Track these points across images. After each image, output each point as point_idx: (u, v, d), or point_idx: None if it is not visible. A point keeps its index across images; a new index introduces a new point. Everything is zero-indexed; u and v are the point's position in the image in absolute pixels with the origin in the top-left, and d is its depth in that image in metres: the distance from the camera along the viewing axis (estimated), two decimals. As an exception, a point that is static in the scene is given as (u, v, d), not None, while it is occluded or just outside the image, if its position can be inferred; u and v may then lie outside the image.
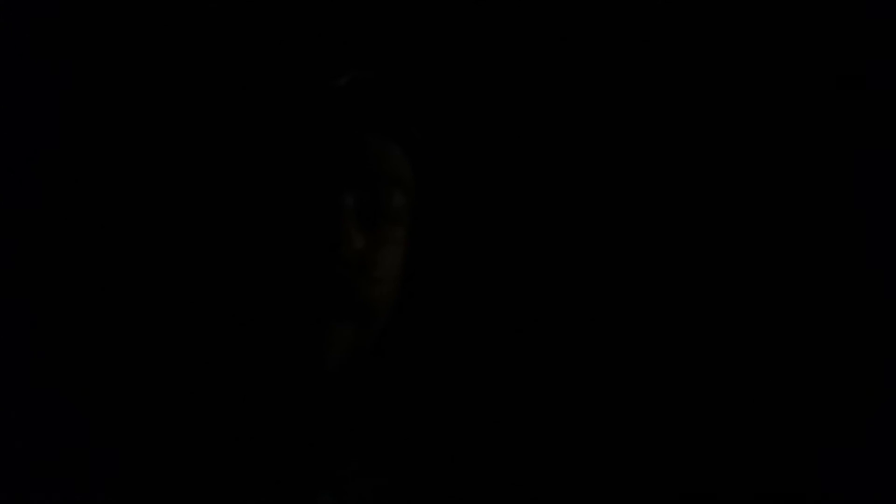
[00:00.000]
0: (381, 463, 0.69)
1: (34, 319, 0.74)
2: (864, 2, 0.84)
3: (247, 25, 0.74)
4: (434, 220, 0.72)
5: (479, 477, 0.74)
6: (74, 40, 0.78)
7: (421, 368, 0.78)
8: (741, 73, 0.86)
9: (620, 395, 0.82)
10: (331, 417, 0.68)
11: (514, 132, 0.85)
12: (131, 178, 0.76)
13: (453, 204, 0.78)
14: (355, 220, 0.63)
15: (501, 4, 0.85)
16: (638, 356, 0.83)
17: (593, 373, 0.83)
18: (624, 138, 0.85)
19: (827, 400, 0.82)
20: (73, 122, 0.77)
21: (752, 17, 0.86)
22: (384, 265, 0.64)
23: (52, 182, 0.76)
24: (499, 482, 0.75)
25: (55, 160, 0.77)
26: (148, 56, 0.77)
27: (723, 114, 0.86)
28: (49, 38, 0.77)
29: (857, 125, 0.84)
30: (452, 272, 0.80)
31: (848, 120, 0.84)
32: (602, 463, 0.80)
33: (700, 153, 0.86)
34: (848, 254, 0.83)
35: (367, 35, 0.76)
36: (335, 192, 0.63)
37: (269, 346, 0.63)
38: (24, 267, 0.75)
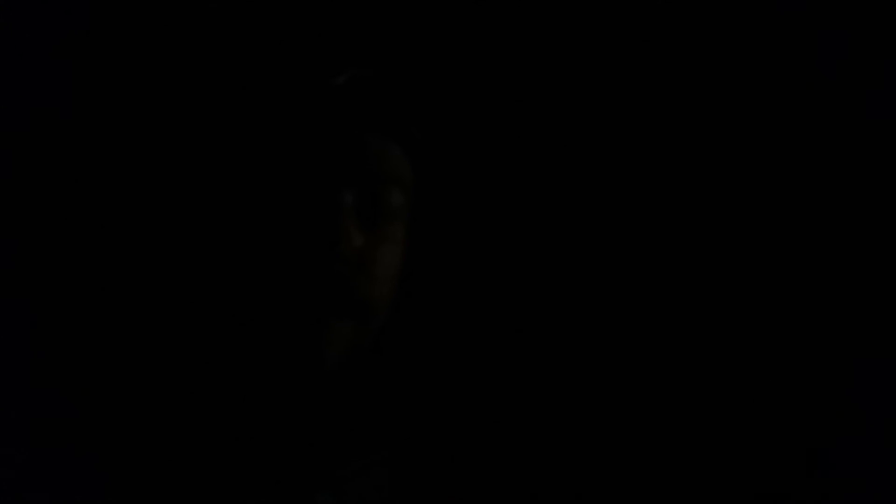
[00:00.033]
0: (381, 463, 0.69)
1: (33, 319, 0.74)
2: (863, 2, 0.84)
3: (246, 25, 0.74)
4: (432, 218, 0.72)
5: (479, 476, 0.74)
6: (74, 40, 0.78)
7: (420, 367, 0.77)
8: (741, 73, 0.86)
9: (620, 394, 0.82)
10: (330, 416, 0.68)
11: (513, 131, 0.85)
12: (131, 177, 0.76)
13: (452, 203, 0.78)
14: (354, 219, 0.63)
15: (501, 4, 0.85)
16: (637, 355, 0.83)
17: (592, 372, 0.83)
18: (623, 138, 0.85)
19: (827, 400, 0.82)
20: (73, 120, 0.77)
21: (751, 18, 0.86)
22: (383, 263, 0.64)
23: (51, 181, 0.77)
24: (499, 481, 0.75)
25: (55, 159, 0.77)
26: (148, 55, 0.78)
27: (723, 114, 0.86)
28: (49, 37, 0.78)
29: (857, 125, 0.84)
30: (451, 271, 0.80)
31: (848, 120, 0.84)
32: (602, 462, 0.80)
33: (700, 153, 0.86)
34: (848, 254, 0.83)
35: (367, 34, 0.76)
36: (334, 190, 0.63)
37: (268, 344, 0.63)
38: (23, 267, 0.76)
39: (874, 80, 0.84)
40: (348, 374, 0.67)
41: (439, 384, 0.79)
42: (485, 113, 0.84)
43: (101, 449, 0.64)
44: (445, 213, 0.75)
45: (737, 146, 0.86)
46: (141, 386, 0.68)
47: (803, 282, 0.84)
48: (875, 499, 0.79)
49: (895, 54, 0.84)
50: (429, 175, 0.70)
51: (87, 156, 0.77)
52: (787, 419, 0.82)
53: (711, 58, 0.86)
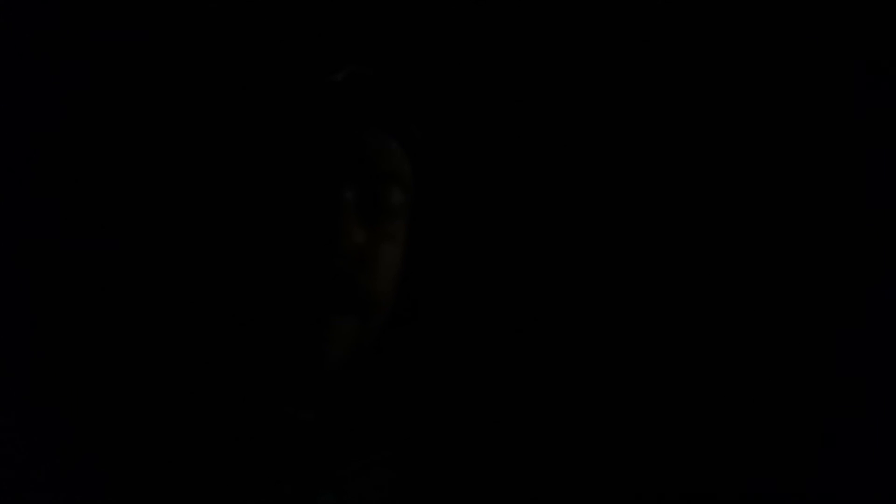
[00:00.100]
0: (382, 462, 0.69)
1: (33, 319, 0.74)
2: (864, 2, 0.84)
3: (246, 23, 0.74)
4: (433, 215, 0.72)
5: (480, 476, 0.74)
6: (75, 40, 0.78)
7: (421, 366, 0.77)
8: (741, 73, 0.86)
9: (620, 394, 0.82)
10: (332, 416, 0.68)
11: (513, 129, 0.85)
12: (132, 176, 0.76)
13: (452, 200, 0.78)
14: (355, 216, 0.63)
15: (501, 3, 0.85)
16: (637, 350, 0.83)
17: (593, 368, 0.83)
18: (623, 137, 0.86)
19: (826, 400, 0.82)
20: (73, 120, 0.77)
21: (752, 18, 0.86)
22: (384, 261, 0.64)
23: (51, 180, 0.76)
24: (500, 481, 0.75)
25: (54, 159, 0.77)
26: (148, 54, 0.77)
27: (723, 114, 0.86)
28: (49, 37, 0.77)
29: (857, 125, 0.84)
30: (451, 268, 0.80)
31: (848, 120, 0.84)
32: (602, 462, 0.80)
33: (700, 153, 0.86)
34: (848, 254, 0.83)
35: (366, 32, 0.76)
36: (335, 187, 0.63)
37: (269, 342, 0.63)
38: (23, 267, 0.75)
39: (874, 80, 0.84)
40: (349, 373, 0.67)
41: (440, 383, 0.79)
42: (484, 110, 0.84)
43: (101, 449, 0.64)
44: (445, 210, 0.75)
45: (737, 146, 0.86)
46: (141, 385, 0.68)
47: (803, 282, 0.84)
48: (875, 499, 0.79)
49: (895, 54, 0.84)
50: (428, 172, 0.70)
51: (89, 154, 0.77)
52: (786, 419, 0.82)
53: (711, 58, 0.86)
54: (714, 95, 0.86)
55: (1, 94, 0.77)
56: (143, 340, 0.71)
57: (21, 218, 0.76)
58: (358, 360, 0.66)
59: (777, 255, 0.84)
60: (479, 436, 0.77)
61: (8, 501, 0.61)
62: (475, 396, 0.80)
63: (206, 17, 0.76)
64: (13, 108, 0.77)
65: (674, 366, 0.83)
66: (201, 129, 0.69)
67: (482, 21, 0.84)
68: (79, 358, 0.71)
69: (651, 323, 0.83)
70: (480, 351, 0.82)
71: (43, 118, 0.77)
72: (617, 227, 0.85)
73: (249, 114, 0.65)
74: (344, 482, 0.66)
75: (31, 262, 0.76)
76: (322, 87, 0.65)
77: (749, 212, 0.85)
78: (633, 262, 0.84)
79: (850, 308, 0.83)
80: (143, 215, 0.74)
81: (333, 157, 0.63)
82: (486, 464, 0.75)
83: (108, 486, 0.63)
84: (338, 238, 0.61)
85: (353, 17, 0.77)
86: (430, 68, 0.81)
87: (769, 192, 0.85)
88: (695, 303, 0.84)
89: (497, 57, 0.84)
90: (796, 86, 0.85)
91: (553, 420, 0.81)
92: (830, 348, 0.82)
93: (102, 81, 0.78)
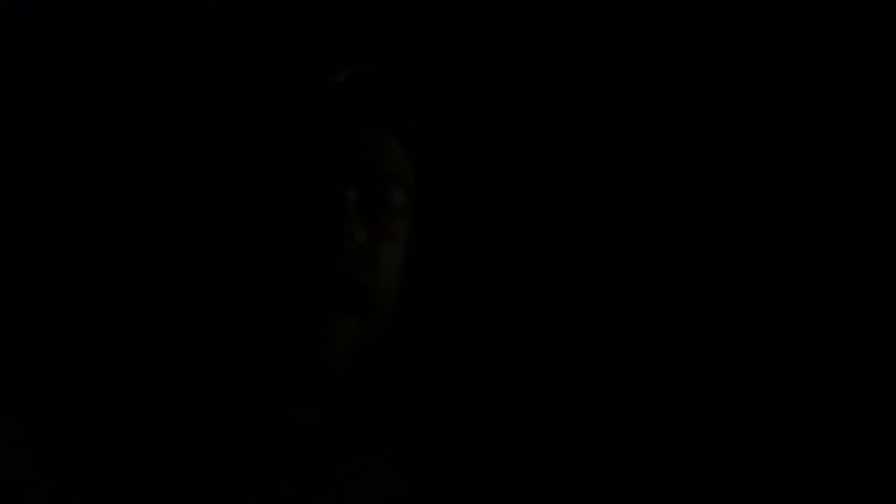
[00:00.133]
0: (382, 462, 0.69)
1: (34, 319, 0.74)
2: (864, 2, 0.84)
3: (247, 25, 0.74)
4: (433, 215, 0.72)
5: (481, 476, 0.74)
6: (75, 40, 0.78)
7: (422, 366, 0.77)
8: (741, 73, 0.86)
9: (621, 393, 0.82)
10: (332, 415, 0.68)
11: (513, 129, 0.85)
12: (135, 178, 0.76)
13: (453, 199, 0.78)
14: (357, 215, 0.63)
15: (501, 3, 0.85)
16: (638, 349, 0.83)
17: (594, 368, 0.83)
18: (623, 137, 0.86)
19: (827, 400, 0.82)
20: (75, 121, 0.77)
21: (752, 18, 0.86)
22: (386, 260, 0.65)
23: (54, 180, 0.76)
24: (500, 481, 0.75)
25: (57, 159, 0.77)
26: (148, 54, 0.77)
27: (722, 114, 0.86)
28: (49, 37, 0.77)
29: (856, 125, 0.84)
30: (453, 268, 0.80)
31: (848, 120, 0.84)
32: (602, 462, 0.80)
33: (700, 153, 0.86)
34: (848, 254, 0.83)
35: (366, 32, 0.76)
36: (337, 187, 0.63)
37: (272, 341, 0.63)
38: (24, 267, 0.75)
39: (874, 81, 0.84)
40: (350, 373, 0.67)
41: (441, 383, 0.79)
42: (485, 110, 0.84)
43: (101, 448, 0.64)
44: (446, 209, 0.75)
45: (736, 146, 0.86)
46: (142, 384, 0.68)
47: (802, 282, 0.84)
48: (875, 499, 0.79)
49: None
50: (429, 172, 0.70)
51: (92, 155, 0.77)
52: (786, 419, 0.82)
53: (711, 58, 0.86)
54: (714, 96, 0.86)
55: (1, 95, 0.77)
56: (145, 340, 0.71)
57: (22, 218, 0.76)
58: (359, 359, 0.66)
59: (777, 256, 0.84)
60: (480, 436, 0.77)
61: (8, 501, 0.61)
62: (476, 396, 0.80)
63: (207, 18, 0.76)
64: (14, 108, 0.77)
65: (674, 366, 0.83)
66: (204, 130, 0.69)
67: (482, 21, 0.84)
68: (79, 357, 0.71)
69: (651, 322, 0.83)
70: (481, 350, 0.82)
71: (44, 119, 0.77)
72: (618, 227, 0.85)
73: (251, 115, 0.65)
74: (344, 482, 0.66)
75: (32, 261, 0.76)
76: (323, 88, 0.65)
77: (749, 212, 0.85)
78: (634, 262, 0.84)
79: (850, 307, 0.83)
80: (147, 216, 0.74)
81: (335, 158, 0.63)
82: (486, 464, 0.75)
83: (108, 486, 0.63)
84: (340, 238, 0.61)
85: (353, 17, 0.77)
86: (431, 68, 0.81)
87: (769, 192, 0.85)
88: (695, 303, 0.84)
89: (497, 57, 0.84)
90: (796, 86, 0.85)
91: (553, 420, 0.81)
92: (831, 348, 0.82)
93: (104, 82, 0.78)
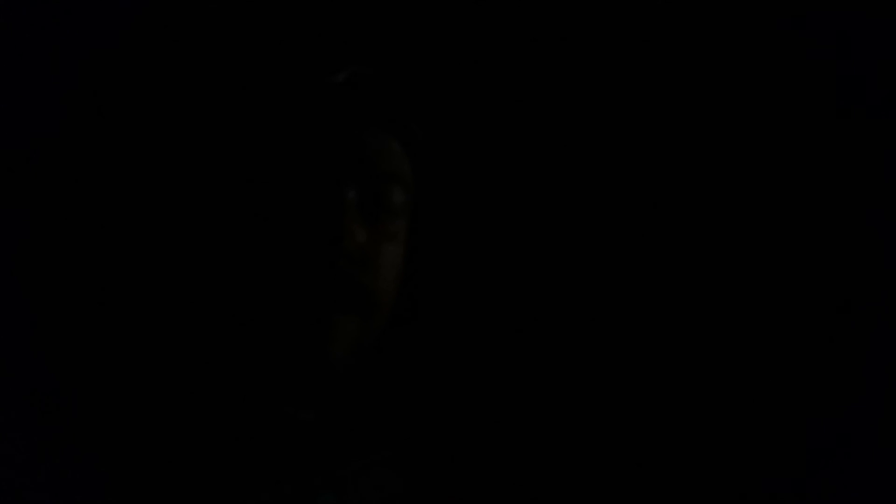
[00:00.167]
0: (382, 462, 0.69)
1: (36, 319, 0.74)
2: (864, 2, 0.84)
3: (247, 26, 0.74)
4: (433, 215, 0.72)
5: (480, 475, 0.74)
6: (75, 40, 0.78)
7: (422, 366, 0.77)
8: (741, 73, 0.86)
9: (620, 394, 0.82)
10: (333, 415, 0.68)
11: (512, 129, 0.85)
12: (136, 178, 0.76)
13: (452, 199, 0.78)
14: (357, 215, 0.63)
15: (501, 4, 0.85)
16: (638, 350, 0.83)
17: (594, 370, 0.83)
18: (623, 137, 0.86)
19: (826, 400, 0.82)
20: (76, 120, 0.77)
21: (752, 18, 0.86)
22: (386, 260, 0.65)
23: (53, 180, 0.76)
24: (500, 481, 0.75)
25: (57, 159, 0.77)
26: (149, 55, 0.77)
27: (722, 114, 0.86)
28: (50, 38, 0.77)
29: (856, 125, 0.84)
30: (452, 267, 0.80)
31: (848, 120, 0.84)
32: (602, 462, 0.80)
33: (700, 153, 0.86)
34: (847, 254, 0.83)
35: (366, 33, 0.76)
36: (338, 187, 0.63)
37: (272, 342, 0.63)
38: (26, 267, 0.75)
39: (874, 81, 0.84)
40: (350, 373, 0.67)
41: (441, 383, 0.79)
42: (484, 110, 0.84)
43: (101, 448, 0.64)
44: (445, 209, 0.75)
45: (736, 146, 0.86)
46: (143, 385, 0.68)
47: (802, 282, 0.84)
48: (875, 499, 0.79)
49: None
50: (429, 172, 0.70)
51: (93, 156, 0.77)
52: (786, 419, 0.82)
53: (711, 58, 0.86)
54: (714, 96, 0.86)
55: (5, 95, 0.77)
56: (146, 340, 0.71)
57: (21, 219, 0.76)
58: (359, 359, 0.66)
59: (777, 256, 0.84)
60: (479, 436, 0.77)
61: (8, 501, 0.61)
62: (475, 396, 0.80)
63: (208, 19, 0.76)
64: (15, 108, 0.77)
65: (674, 366, 0.83)
66: (204, 130, 0.69)
67: (482, 21, 0.84)
68: (81, 358, 0.71)
69: (651, 322, 0.83)
70: (480, 350, 0.82)
71: (45, 121, 0.77)
72: (617, 226, 0.85)
73: (251, 115, 0.65)
74: (344, 482, 0.66)
75: (33, 261, 0.76)
76: (323, 88, 0.65)
77: (749, 212, 0.85)
78: (634, 262, 0.84)
79: (850, 307, 0.83)
80: (147, 216, 0.74)
81: (335, 158, 0.63)
82: (486, 464, 0.75)
83: (108, 486, 0.63)
84: (340, 238, 0.61)
85: (353, 18, 0.77)
86: (430, 68, 0.81)
87: (769, 192, 0.85)
88: (695, 303, 0.84)
89: (497, 57, 0.84)
90: (795, 86, 0.85)
91: (553, 420, 0.81)
92: (830, 348, 0.82)
93: (105, 83, 0.78)
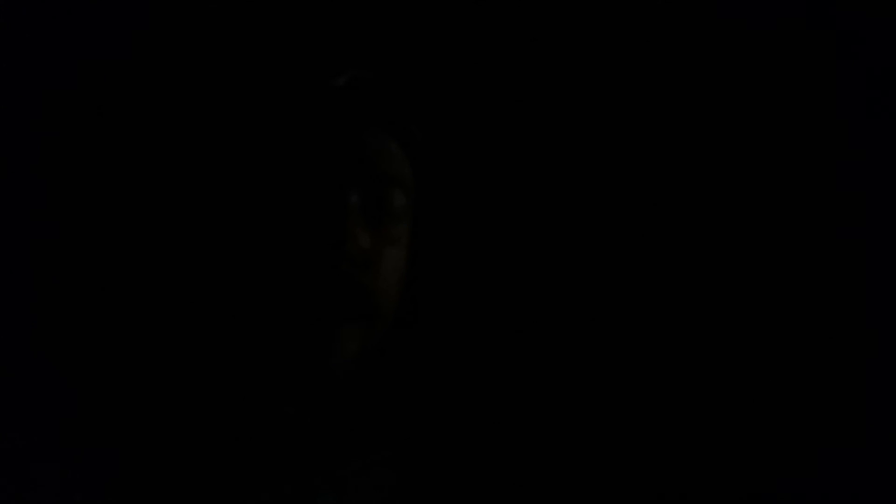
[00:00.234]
0: (382, 462, 0.69)
1: (38, 320, 0.74)
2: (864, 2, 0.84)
3: (248, 29, 0.74)
4: (434, 218, 0.72)
5: (480, 476, 0.74)
6: (76, 41, 0.78)
7: (421, 367, 0.77)
8: (740, 73, 0.86)
9: (620, 396, 0.82)
10: (332, 416, 0.68)
11: (513, 131, 0.85)
12: (137, 183, 0.75)
13: (453, 203, 0.78)
14: (360, 219, 0.63)
15: (501, 4, 0.85)
16: (639, 360, 0.83)
17: (594, 370, 0.83)
18: (624, 137, 0.85)
19: (826, 400, 0.82)
20: (76, 122, 0.77)
21: (752, 18, 0.86)
22: (388, 264, 0.64)
23: (56, 184, 0.76)
24: (500, 481, 0.75)
25: (59, 161, 0.77)
26: (149, 57, 0.77)
27: (722, 114, 0.86)
28: (51, 38, 0.77)
29: (856, 125, 0.84)
30: (453, 271, 0.80)
31: (847, 120, 0.84)
32: (602, 463, 0.80)
33: (700, 153, 0.86)
34: (847, 254, 0.83)
35: (366, 35, 0.76)
36: (340, 191, 0.63)
37: (278, 347, 0.63)
38: (28, 268, 0.75)
39: (874, 80, 0.84)
40: (351, 374, 0.67)
41: (441, 384, 0.79)
42: (485, 113, 0.84)
43: (103, 448, 0.64)
44: (446, 212, 0.75)
45: (736, 147, 0.86)
46: (145, 386, 0.68)
47: (801, 282, 0.84)
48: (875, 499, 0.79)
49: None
50: (429, 175, 0.70)
51: (94, 159, 0.77)
52: (786, 419, 0.82)
53: (711, 58, 0.86)
54: (714, 96, 0.86)
55: (6, 95, 0.76)
56: (149, 343, 0.71)
57: (23, 219, 0.76)
58: (360, 361, 0.66)
59: (776, 256, 0.84)
60: (479, 437, 0.77)
61: (8, 501, 0.61)
62: (475, 397, 0.80)
63: (209, 22, 0.76)
64: (16, 108, 0.77)
65: (674, 369, 0.83)
66: (206, 135, 0.69)
67: (482, 24, 0.84)
68: (82, 359, 0.71)
69: (653, 331, 0.83)
70: (480, 352, 0.82)
71: (48, 122, 0.77)
72: (619, 227, 0.85)
73: (253, 119, 0.65)
74: (344, 482, 0.66)
75: (34, 261, 0.76)
76: (324, 92, 0.65)
77: (749, 212, 0.85)
78: (635, 266, 0.84)
79: (850, 308, 0.83)
80: (150, 222, 0.74)
81: (337, 162, 0.63)
82: (486, 464, 0.75)
83: (109, 486, 0.63)
84: (344, 243, 0.61)
85: (353, 21, 0.77)
86: (431, 71, 0.81)
87: (769, 192, 0.85)
88: (696, 307, 0.84)
89: (497, 59, 0.84)
90: (796, 86, 0.85)
91: (553, 421, 0.81)
92: (830, 349, 0.82)
93: (106, 85, 0.77)
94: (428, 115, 0.70)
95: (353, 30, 0.77)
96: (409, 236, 0.67)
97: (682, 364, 0.83)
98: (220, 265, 0.66)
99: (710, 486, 0.80)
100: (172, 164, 0.74)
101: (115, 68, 0.77)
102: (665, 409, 0.82)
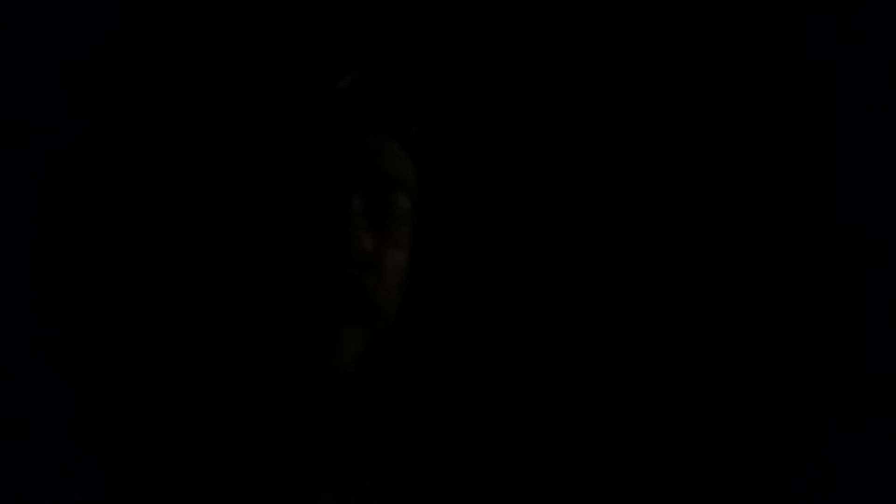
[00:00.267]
0: (382, 462, 0.69)
1: (35, 318, 0.74)
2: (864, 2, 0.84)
3: (250, 30, 0.74)
4: (436, 220, 0.72)
5: (481, 476, 0.74)
6: (76, 41, 0.77)
7: (422, 367, 0.77)
8: (740, 73, 0.86)
9: (620, 398, 0.82)
10: (332, 416, 0.68)
11: (516, 133, 0.84)
12: (139, 184, 0.75)
13: (455, 205, 0.78)
14: (363, 222, 0.63)
15: (502, 4, 0.85)
16: (642, 359, 0.83)
17: (596, 371, 0.83)
18: (626, 137, 0.85)
19: (826, 400, 0.82)
20: (77, 126, 0.77)
21: (751, 18, 0.86)
22: (391, 267, 0.64)
23: (57, 183, 0.76)
24: (500, 481, 0.75)
25: (60, 163, 0.77)
26: (151, 58, 0.77)
27: (722, 114, 0.86)
28: (51, 38, 0.77)
29: (856, 125, 0.84)
30: (454, 273, 0.80)
31: (847, 120, 0.84)
32: (602, 463, 0.80)
33: (699, 153, 0.86)
34: (847, 254, 0.83)
35: (369, 36, 0.76)
36: (344, 194, 0.62)
37: (281, 349, 0.63)
38: (27, 265, 0.75)
39: (873, 80, 0.84)
40: (354, 376, 0.67)
41: (441, 385, 0.79)
42: (487, 115, 0.84)
43: (103, 448, 0.64)
44: (449, 214, 0.75)
45: (735, 147, 0.86)
46: (145, 385, 0.68)
47: (801, 282, 0.84)
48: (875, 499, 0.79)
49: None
50: (432, 177, 0.70)
51: (95, 162, 0.77)
52: (786, 419, 0.82)
53: (711, 58, 0.86)
54: (713, 96, 0.86)
55: (6, 95, 0.76)
56: (150, 343, 0.71)
57: (24, 219, 0.76)
58: (364, 363, 0.66)
59: (776, 256, 0.84)
60: (479, 437, 0.77)
61: (8, 501, 0.61)
62: (475, 397, 0.80)
63: (210, 24, 0.76)
64: (16, 108, 0.77)
65: (676, 371, 0.83)
66: (208, 138, 0.69)
67: (484, 25, 0.84)
68: (82, 359, 0.71)
69: (655, 332, 0.83)
70: (481, 353, 0.82)
71: (49, 123, 0.77)
72: (621, 228, 0.85)
73: (256, 122, 0.65)
74: (344, 482, 0.66)
75: (34, 261, 0.76)
76: (326, 93, 0.65)
77: (749, 213, 0.85)
78: (639, 271, 0.84)
79: (850, 308, 0.83)
80: (152, 224, 0.74)
81: (340, 164, 0.63)
82: (486, 464, 0.75)
83: (109, 486, 0.63)
84: (348, 244, 0.61)
85: (356, 22, 0.77)
86: (433, 73, 0.81)
87: (769, 193, 0.85)
88: (695, 305, 0.84)
89: (500, 61, 0.84)
90: (795, 87, 0.85)
91: (553, 421, 0.81)
92: (830, 349, 0.82)
93: (107, 86, 0.77)
94: (430, 117, 0.69)
95: (355, 31, 0.77)
96: (410, 238, 0.67)
97: (685, 366, 0.83)
98: (222, 266, 0.66)
99: (710, 486, 0.80)
100: (175, 167, 0.74)
101: (116, 69, 0.77)
102: (666, 412, 0.82)
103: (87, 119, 0.77)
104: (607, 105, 0.85)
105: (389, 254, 0.64)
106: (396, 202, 0.65)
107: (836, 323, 0.83)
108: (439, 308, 0.78)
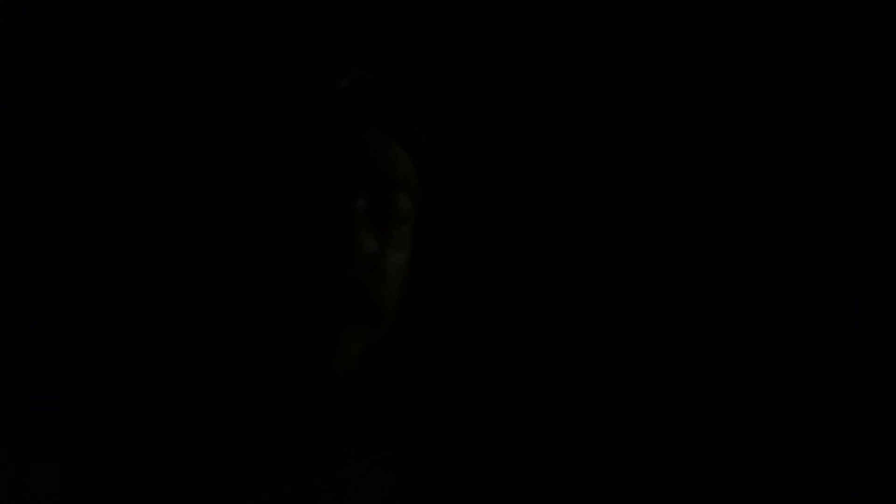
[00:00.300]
0: (382, 463, 0.69)
1: (36, 318, 0.74)
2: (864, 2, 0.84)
3: (251, 31, 0.74)
4: (438, 221, 0.72)
5: (481, 476, 0.74)
6: (77, 42, 0.77)
7: (422, 368, 0.77)
8: (740, 73, 0.86)
9: (620, 398, 0.82)
10: (333, 417, 0.68)
11: (517, 133, 0.84)
12: (141, 187, 0.75)
13: (457, 205, 0.78)
14: (366, 223, 0.63)
15: (502, 5, 0.85)
16: (644, 360, 0.83)
17: (597, 372, 0.83)
18: (627, 137, 0.85)
19: (826, 400, 0.82)
20: (78, 128, 0.77)
21: (751, 18, 0.86)
22: (393, 267, 0.64)
23: (59, 184, 0.76)
24: (500, 481, 0.75)
25: (61, 164, 0.77)
26: (152, 59, 0.77)
27: (722, 114, 0.86)
28: (51, 38, 0.77)
29: (856, 125, 0.84)
30: (455, 274, 0.80)
31: (847, 120, 0.84)
32: (602, 463, 0.80)
33: (699, 153, 0.86)
34: (847, 254, 0.83)
35: (370, 37, 0.76)
36: (347, 194, 0.62)
37: (283, 350, 0.63)
38: (28, 265, 0.75)
39: (873, 79, 0.84)
40: (355, 377, 0.67)
41: (442, 385, 0.79)
42: (489, 115, 0.84)
43: (103, 448, 0.64)
44: (450, 215, 0.75)
45: (735, 147, 0.86)
46: (146, 386, 0.68)
47: (800, 282, 0.84)
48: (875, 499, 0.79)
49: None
50: (434, 177, 0.70)
51: (94, 165, 0.77)
52: (786, 419, 0.82)
53: (711, 58, 0.86)
54: (713, 96, 0.86)
55: (6, 95, 0.76)
56: (151, 343, 0.71)
57: (25, 219, 0.76)
58: (364, 363, 0.66)
59: (776, 256, 0.84)
60: (480, 437, 0.77)
61: (8, 501, 0.62)
62: (476, 398, 0.80)
63: (211, 24, 0.76)
64: (17, 109, 0.77)
65: (678, 372, 0.83)
66: (211, 139, 0.69)
67: (486, 26, 0.84)
68: (83, 358, 0.71)
69: (656, 333, 0.83)
70: (481, 354, 0.82)
71: (50, 124, 0.77)
72: (623, 229, 0.85)
73: (257, 123, 0.65)
74: (344, 482, 0.66)
75: (35, 261, 0.76)
76: (327, 93, 0.65)
77: (749, 213, 0.85)
78: (640, 272, 0.84)
79: (849, 307, 0.83)
80: (155, 226, 0.74)
81: (342, 165, 0.63)
82: (486, 465, 0.75)
83: (109, 486, 0.63)
84: (351, 245, 0.61)
85: (356, 22, 0.77)
86: (434, 73, 0.81)
87: (769, 193, 0.85)
88: (696, 306, 0.84)
89: (501, 61, 0.84)
90: (795, 87, 0.85)
91: (553, 422, 0.81)
92: (830, 349, 0.83)
93: (107, 87, 0.77)
94: (432, 118, 0.69)
95: (356, 31, 0.77)
96: (412, 238, 0.67)
97: (685, 366, 0.83)
98: (224, 266, 0.66)
99: (710, 485, 0.80)
100: (178, 168, 0.74)
101: (117, 70, 0.77)
102: (667, 413, 0.82)
103: (90, 121, 0.77)
104: (607, 105, 0.85)
105: (391, 254, 0.64)
106: (398, 203, 0.65)
107: (836, 323, 0.83)
108: (440, 308, 0.78)
